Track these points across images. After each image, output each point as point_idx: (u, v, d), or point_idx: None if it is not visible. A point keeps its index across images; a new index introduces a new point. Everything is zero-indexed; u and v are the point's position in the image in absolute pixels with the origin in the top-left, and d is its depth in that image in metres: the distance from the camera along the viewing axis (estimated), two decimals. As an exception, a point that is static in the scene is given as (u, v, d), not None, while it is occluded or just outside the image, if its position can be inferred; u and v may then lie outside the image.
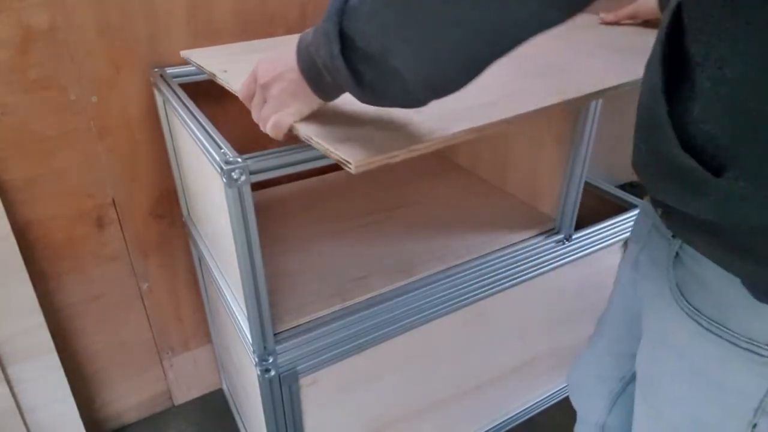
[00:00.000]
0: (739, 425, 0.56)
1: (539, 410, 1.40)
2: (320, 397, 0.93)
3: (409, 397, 1.08)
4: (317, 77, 0.52)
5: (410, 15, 0.42)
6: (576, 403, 0.98)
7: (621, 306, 0.81)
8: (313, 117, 0.61)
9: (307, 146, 0.65)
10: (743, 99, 0.40)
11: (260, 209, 1.17)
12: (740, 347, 0.52)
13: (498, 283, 1.04)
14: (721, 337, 0.53)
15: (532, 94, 0.72)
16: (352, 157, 0.53)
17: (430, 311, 0.97)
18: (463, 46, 0.43)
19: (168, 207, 1.19)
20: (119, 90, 1.04)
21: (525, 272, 1.07)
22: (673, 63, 0.47)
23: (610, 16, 1.10)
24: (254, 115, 0.62)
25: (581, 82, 0.77)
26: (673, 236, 0.58)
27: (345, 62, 0.47)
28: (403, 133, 0.59)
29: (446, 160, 1.41)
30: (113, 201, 1.13)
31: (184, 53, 1.00)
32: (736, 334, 0.52)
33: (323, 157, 0.68)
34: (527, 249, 1.05)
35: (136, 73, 1.04)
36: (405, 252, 1.02)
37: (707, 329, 0.54)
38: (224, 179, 0.66)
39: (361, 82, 0.48)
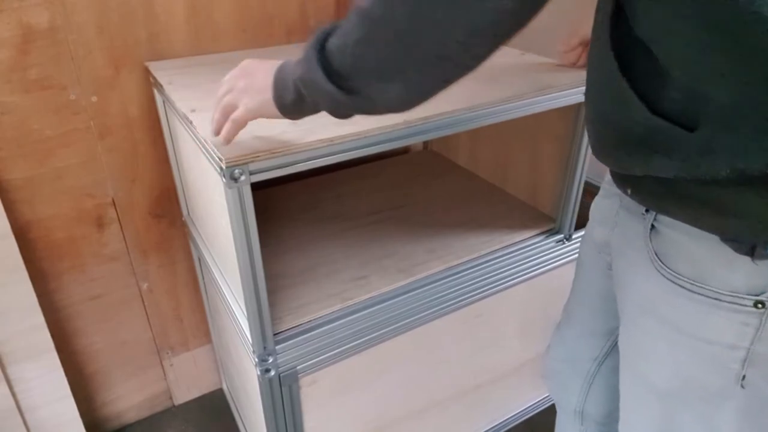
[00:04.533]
0: (727, 378, 0.58)
1: (539, 410, 1.39)
2: (320, 397, 0.93)
3: (409, 397, 1.08)
4: (283, 91, 0.59)
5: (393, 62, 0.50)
6: (554, 392, 1.00)
7: (589, 288, 0.84)
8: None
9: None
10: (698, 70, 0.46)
11: (260, 209, 1.17)
12: (723, 301, 0.55)
13: (498, 283, 1.04)
14: (703, 295, 0.56)
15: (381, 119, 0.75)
16: (224, 155, 0.65)
17: (430, 311, 0.97)
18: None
19: (168, 207, 1.19)
20: (119, 90, 1.04)
21: (525, 272, 1.07)
22: (622, 48, 0.53)
23: (566, 49, 0.97)
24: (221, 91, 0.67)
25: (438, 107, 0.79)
26: (647, 211, 0.62)
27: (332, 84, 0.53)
28: (273, 142, 0.69)
29: (446, 160, 1.41)
30: (113, 201, 1.13)
31: (149, 64, 1.02)
32: (717, 290, 0.55)
33: (323, 156, 0.69)
34: (527, 249, 1.05)
35: (136, 73, 1.04)
36: (405, 252, 1.02)
37: (689, 290, 0.57)
38: (224, 179, 0.66)
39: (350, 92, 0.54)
